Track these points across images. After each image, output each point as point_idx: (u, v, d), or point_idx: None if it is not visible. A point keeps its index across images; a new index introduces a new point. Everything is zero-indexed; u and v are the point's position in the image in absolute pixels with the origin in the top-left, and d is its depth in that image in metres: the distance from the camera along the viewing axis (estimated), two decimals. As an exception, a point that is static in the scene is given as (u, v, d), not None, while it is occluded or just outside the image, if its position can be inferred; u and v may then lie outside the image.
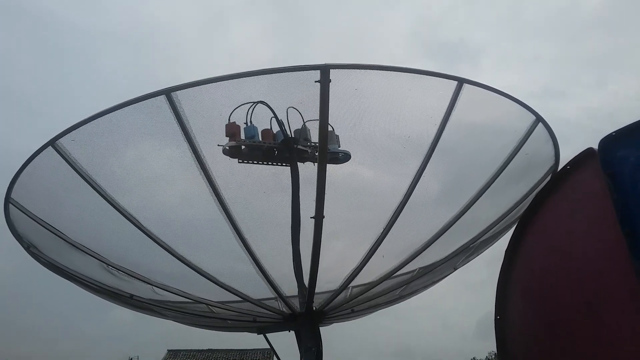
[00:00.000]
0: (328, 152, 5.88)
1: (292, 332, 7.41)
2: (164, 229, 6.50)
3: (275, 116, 5.83)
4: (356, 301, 7.59)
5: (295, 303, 7.19)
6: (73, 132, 5.68)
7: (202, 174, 5.81)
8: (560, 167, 6.55)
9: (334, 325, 8.66)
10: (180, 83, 5.32)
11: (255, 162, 6.02)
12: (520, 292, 6.28)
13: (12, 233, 7.35)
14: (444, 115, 6.03)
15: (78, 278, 7.55)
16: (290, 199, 6.09)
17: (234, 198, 6.16)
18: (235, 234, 6.31)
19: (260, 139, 5.95)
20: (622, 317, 4.80)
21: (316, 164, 5.88)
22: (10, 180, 6.47)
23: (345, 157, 6.13)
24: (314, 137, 5.92)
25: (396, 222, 6.56)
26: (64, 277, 7.84)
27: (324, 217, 5.95)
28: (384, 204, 6.61)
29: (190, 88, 5.32)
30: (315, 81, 5.24)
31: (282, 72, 5.31)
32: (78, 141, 5.78)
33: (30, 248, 7.44)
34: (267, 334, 7.73)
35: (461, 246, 7.38)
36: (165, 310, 7.97)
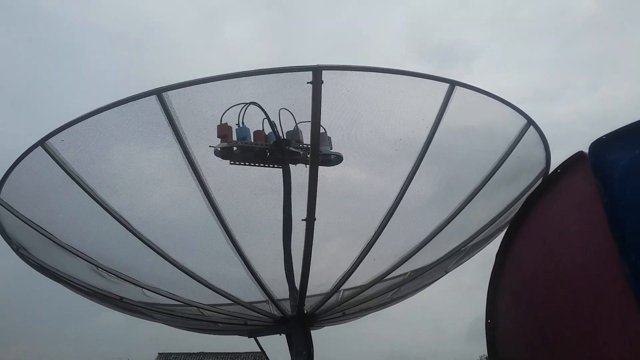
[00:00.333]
0: (320, 154, 5.87)
1: (284, 336, 7.38)
2: (155, 230, 6.45)
3: (268, 117, 5.81)
4: (347, 304, 7.57)
5: (287, 306, 7.16)
6: (63, 132, 5.64)
7: (194, 175, 5.78)
8: (551, 171, 6.57)
9: (326, 328, 8.63)
10: (173, 83, 5.30)
11: (247, 163, 5.99)
12: (511, 295, 6.29)
13: (0, 234, 7.28)
14: (436, 118, 6.03)
15: (67, 280, 7.49)
16: (282, 201, 6.06)
17: (225, 200, 6.13)
18: (227, 236, 6.27)
19: (252, 141, 5.92)
20: (612, 321, 4.81)
21: (308, 165, 5.87)
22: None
23: (337, 159, 6.12)
24: (307, 139, 5.90)
25: (387, 225, 6.56)
26: (53, 279, 7.77)
27: (315, 219, 5.93)
28: (375, 207, 6.61)
29: (182, 88, 5.29)
30: (308, 82, 5.23)
31: (274, 72, 5.30)
32: (68, 141, 5.73)
33: (19, 250, 7.37)
34: (258, 338, 7.69)
35: (452, 249, 7.39)
36: (155, 313, 7.91)
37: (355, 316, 8.72)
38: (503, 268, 6.35)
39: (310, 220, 5.90)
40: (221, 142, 5.81)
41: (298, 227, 6.07)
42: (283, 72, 5.29)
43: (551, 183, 5.90)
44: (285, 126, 5.96)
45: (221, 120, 5.75)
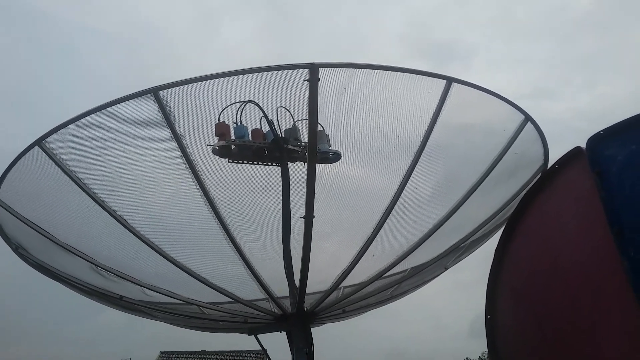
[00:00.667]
0: (318, 151, 5.87)
1: (284, 333, 7.40)
2: (153, 229, 6.47)
3: (265, 116, 5.81)
4: (347, 301, 7.59)
5: (287, 304, 7.18)
6: (60, 131, 5.64)
7: (191, 174, 5.79)
8: (549, 167, 6.56)
9: (326, 325, 8.65)
10: (170, 81, 5.30)
11: (245, 161, 5.99)
12: (510, 291, 6.27)
13: (-1, 234, 7.30)
14: (433, 115, 6.03)
15: (67, 279, 7.50)
16: (281, 198, 6.07)
17: (224, 198, 6.14)
18: (225, 235, 6.29)
19: (250, 139, 5.92)
20: (612, 316, 4.81)
21: (306, 163, 5.87)
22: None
23: (335, 156, 6.11)
24: (305, 137, 5.90)
25: (386, 222, 6.57)
26: (52, 279, 7.79)
27: (314, 217, 5.94)
28: (374, 204, 6.62)
29: (179, 87, 5.29)
30: (304, 80, 5.23)
31: (270, 70, 5.30)
32: (65, 141, 5.73)
33: (18, 249, 7.39)
34: (258, 335, 7.71)
35: (451, 246, 7.40)
36: (155, 312, 7.93)
37: (355, 313, 8.74)
38: (502, 264, 6.34)
39: (308, 217, 5.91)
40: (219, 140, 5.81)
41: (297, 225, 6.08)
42: (280, 70, 5.29)
43: (549, 179, 5.88)
44: (283, 124, 5.97)
45: (219, 119, 5.75)
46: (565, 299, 5.39)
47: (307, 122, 5.58)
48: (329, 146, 6.08)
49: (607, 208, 4.55)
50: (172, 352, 38.71)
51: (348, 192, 6.57)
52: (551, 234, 5.72)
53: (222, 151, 5.84)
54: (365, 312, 8.98)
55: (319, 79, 5.21)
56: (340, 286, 7.23)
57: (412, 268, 7.57)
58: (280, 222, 6.13)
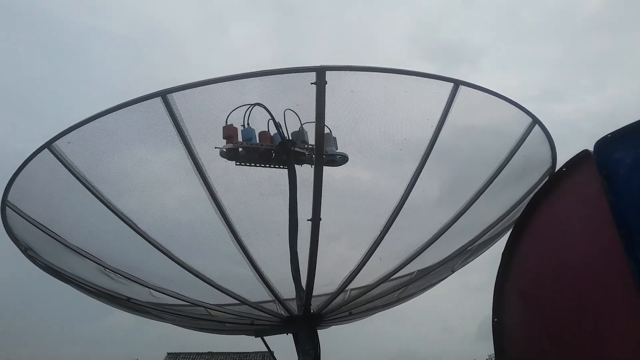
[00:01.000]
0: (325, 154, 5.89)
1: (290, 335, 7.40)
2: (161, 231, 6.50)
3: (273, 118, 5.83)
4: (354, 304, 7.59)
5: (293, 306, 7.19)
6: (69, 134, 5.69)
7: (199, 176, 5.82)
8: (556, 169, 6.54)
9: (333, 328, 8.65)
10: (178, 85, 5.33)
11: (252, 164, 6.01)
12: (517, 294, 6.26)
13: (9, 236, 7.35)
14: (441, 117, 6.03)
15: (75, 281, 7.55)
16: (288, 201, 6.08)
17: (231, 201, 6.16)
18: (232, 237, 6.31)
19: (258, 141, 5.94)
20: (619, 319, 4.79)
21: (313, 166, 5.89)
22: (7, 182, 6.47)
23: (342, 159, 6.12)
24: (312, 140, 5.92)
25: (393, 224, 6.56)
26: (61, 280, 7.84)
27: (321, 219, 5.94)
28: (381, 207, 6.62)
29: (187, 90, 5.32)
30: (312, 83, 5.25)
31: (278, 73, 5.32)
32: (74, 143, 5.78)
33: (27, 251, 7.44)
34: (265, 337, 7.72)
35: (459, 249, 7.39)
36: (163, 313, 7.96)
37: (362, 316, 8.73)
38: (509, 267, 6.33)
39: (315, 220, 5.91)
40: (227, 143, 5.83)
41: (304, 227, 6.09)
42: (287, 73, 5.31)
43: (556, 181, 5.87)
44: (291, 127, 5.98)
45: (226, 122, 5.77)
46: (572, 301, 5.38)
47: (314, 124, 5.60)
48: (336, 149, 6.09)
49: (614, 211, 4.54)
50: (180, 354, 38.74)
51: (355, 194, 6.58)
52: (559, 236, 5.71)
53: (229, 154, 5.86)
54: (372, 314, 8.97)
55: (326, 82, 5.22)
56: (347, 288, 7.24)
57: (419, 271, 7.56)
58: (287, 225, 6.15)
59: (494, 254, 7.87)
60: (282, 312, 7.28)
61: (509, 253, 6.37)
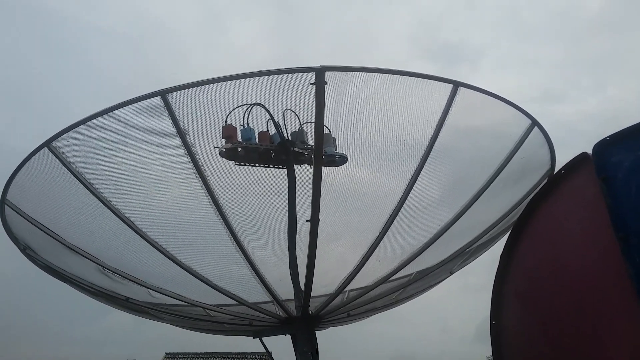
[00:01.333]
0: (324, 154, 5.89)
1: (289, 336, 7.39)
2: (160, 231, 6.49)
3: (272, 118, 5.83)
4: (352, 305, 7.58)
5: (292, 307, 7.18)
6: (68, 133, 5.69)
7: (198, 176, 5.82)
8: (555, 172, 6.54)
9: (331, 329, 8.64)
10: (178, 84, 5.32)
11: (251, 164, 6.01)
12: (516, 296, 6.26)
13: (7, 235, 7.34)
14: (440, 119, 6.03)
15: (74, 280, 7.55)
16: (287, 201, 6.08)
17: (230, 201, 6.16)
18: (231, 237, 6.30)
19: (257, 141, 5.95)
20: (618, 322, 4.79)
21: (312, 166, 5.88)
22: (5, 180, 6.47)
23: (341, 159, 6.12)
24: (311, 140, 5.92)
25: (392, 225, 6.56)
26: (60, 280, 7.83)
27: (319, 220, 5.94)
28: (380, 207, 6.61)
29: (186, 90, 5.32)
30: (311, 83, 5.25)
31: (277, 74, 5.33)
32: (73, 142, 5.78)
33: (26, 250, 7.43)
34: (263, 338, 7.71)
35: (457, 250, 7.38)
36: (161, 314, 7.96)
37: (360, 317, 8.73)
38: (507, 269, 6.33)
39: (314, 221, 5.91)
40: (226, 142, 5.83)
41: (303, 228, 6.09)
42: (286, 74, 5.31)
43: (555, 184, 5.87)
44: (290, 127, 5.98)
45: (226, 121, 5.78)
46: (570, 304, 5.37)
47: (313, 124, 5.60)
48: (336, 149, 6.09)
49: (612, 214, 4.54)
50: (178, 354, 38.70)
51: (354, 195, 6.58)
52: (557, 239, 5.71)
53: (229, 153, 5.86)
54: (370, 316, 8.97)
55: (325, 83, 5.23)
56: (345, 289, 7.23)
57: (417, 272, 7.55)
58: (286, 225, 6.14)
59: (493, 255, 7.87)
60: (281, 313, 7.27)
61: (508, 255, 6.37)
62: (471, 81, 5.93)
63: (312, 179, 5.82)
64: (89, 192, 6.15)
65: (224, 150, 5.84)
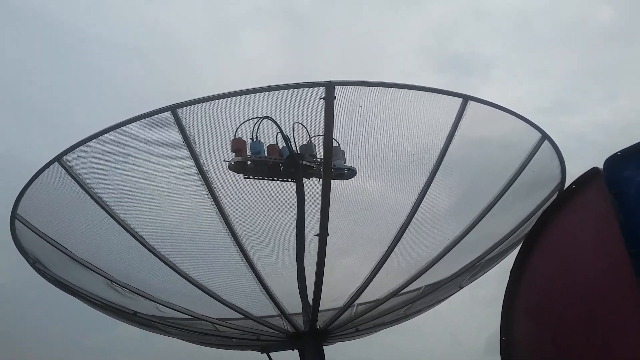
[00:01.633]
0: (333, 168, 5.87)
1: (296, 351, 7.34)
2: (168, 245, 6.48)
3: (281, 131, 5.83)
4: (361, 320, 7.51)
5: (299, 321, 7.13)
6: (79, 148, 5.72)
7: (207, 190, 5.81)
8: (566, 185, 6.51)
9: (338, 344, 8.57)
10: (189, 99, 5.35)
11: (260, 177, 6.01)
12: (526, 312, 6.21)
13: (17, 248, 7.37)
14: (449, 132, 6.02)
15: (83, 294, 7.54)
16: (295, 215, 6.07)
17: (239, 214, 6.15)
18: (239, 251, 6.28)
19: (266, 155, 5.95)
20: (629, 335, 4.74)
21: (321, 179, 5.88)
22: (16, 195, 6.50)
23: (350, 172, 6.10)
24: (320, 153, 5.91)
25: (402, 239, 6.52)
26: (69, 293, 7.83)
27: (328, 234, 5.92)
28: (389, 221, 6.58)
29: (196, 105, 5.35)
30: (320, 98, 5.26)
31: (287, 89, 5.34)
32: (84, 157, 5.81)
33: (35, 264, 7.45)
34: (270, 353, 7.65)
35: (467, 264, 7.32)
36: (169, 328, 7.93)
37: (369, 332, 8.65)
38: (518, 284, 6.29)
39: (323, 235, 5.89)
40: (235, 156, 5.84)
41: (311, 241, 6.06)
42: (296, 88, 5.32)
43: (566, 198, 5.85)
44: (299, 140, 5.99)
45: (235, 135, 5.79)
46: (581, 317, 5.33)
47: (322, 138, 5.60)
48: (345, 162, 6.07)
49: (624, 230, 4.51)
50: (185, 367, 38.60)
51: (364, 208, 6.56)
52: (569, 253, 5.68)
53: (238, 167, 5.87)
54: (379, 330, 8.89)
55: (334, 97, 5.24)
56: (354, 304, 7.18)
57: (426, 286, 7.49)
58: (295, 238, 6.12)
59: (503, 268, 7.80)
60: (289, 328, 7.22)
61: (519, 269, 6.34)
62: (482, 92, 5.93)
63: (320, 192, 5.82)
64: (99, 207, 6.16)
65: (233, 163, 5.84)
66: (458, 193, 6.89)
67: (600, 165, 4.82)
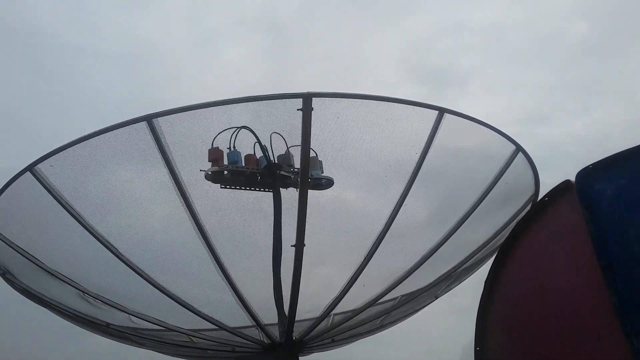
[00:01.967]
0: (311, 178, 5.88)
1: (274, 362, 7.28)
2: (142, 256, 6.39)
3: (259, 141, 5.81)
4: (337, 330, 7.50)
5: (275, 332, 7.08)
6: (52, 157, 5.62)
7: (182, 200, 5.76)
8: (540, 196, 6.61)
9: (314, 355, 8.54)
10: (165, 109, 5.30)
11: (238, 187, 5.97)
12: (500, 322, 6.27)
13: (-13, 259, 7.18)
14: (426, 144, 6.08)
15: (54, 305, 7.37)
16: (272, 224, 6.04)
17: (215, 224, 6.10)
18: (214, 261, 6.23)
19: (244, 165, 5.92)
20: (599, 349, 4.80)
21: (298, 189, 5.87)
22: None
23: (328, 183, 6.12)
24: (298, 163, 5.91)
25: (378, 249, 6.55)
26: (40, 305, 7.65)
27: (304, 245, 5.91)
28: (366, 231, 6.61)
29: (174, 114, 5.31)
30: (298, 109, 5.27)
31: (264, 99, 5.34)
32: (57, 166, 5.70)
33: (5, 274, 7.27)
34: (246, 365, 7.59)
35: (443, 274, 7.38)
36: (142, 340, 7.79)
37: (345, 342, 8.63)
38: (492, 295, 6.35)
39: (299, 246, 5.88)
40: (212, 166, 5.80)
41: (288, 252, 6.05)
42: (273, 99, 5.32)
43: (539, 211, 5.94)
44: (277, 150, 5.98)
45: (212, 144, 5.76)
46: (554, 331, 5.40)
47: (300, 148, 5.60)
48: (322, 172, 6.08)
49: (595, 242, 4.58)
50: (158, 378, 37.97)
51: (341, 218, 6.57)
52: (541, 265, 5.75)
53: (214, 177, 5.83)
54: (355, 341, 8.88)
55: (312, 109, 5.25)
56: (330, 314, 7.17)
57: (402, 296, 7.53)
58: (271, 248, 6.09)
59: (479, 277, 7.87)
60: (264, 339, 7.17)
61: (492, 280, 6.40)
62: (459, 104, 6.02)
63: (297, 202, 5.81)
64: (71, 217, 6.05)
65: (209, 173, 5.81)
66: (434, 204, 6.96)
67: (573, 178, 4.90)
